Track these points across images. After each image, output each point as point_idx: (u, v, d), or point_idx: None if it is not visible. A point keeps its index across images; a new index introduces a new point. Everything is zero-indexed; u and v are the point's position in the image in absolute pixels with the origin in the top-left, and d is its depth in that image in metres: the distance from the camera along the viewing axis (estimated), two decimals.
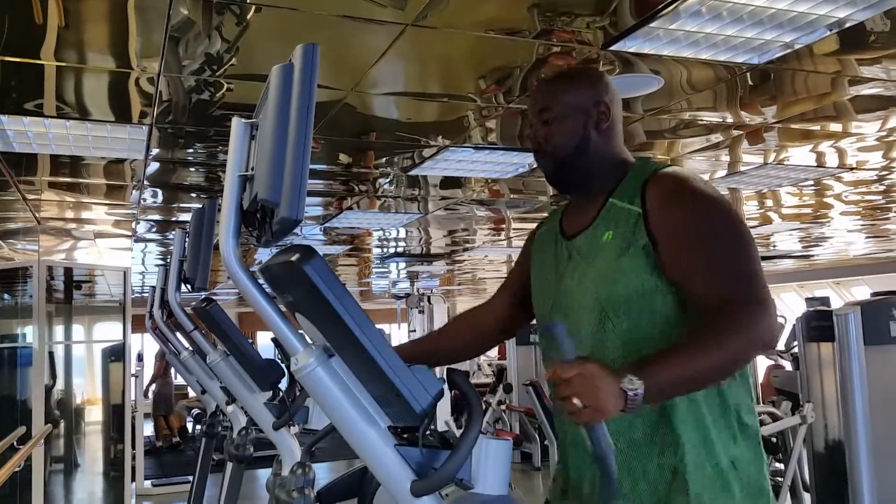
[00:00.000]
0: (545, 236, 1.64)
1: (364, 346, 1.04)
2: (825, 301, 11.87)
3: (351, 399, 1.10)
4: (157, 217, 5.99)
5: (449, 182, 5.06)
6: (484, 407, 6.35)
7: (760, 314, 1.26)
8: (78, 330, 6.77)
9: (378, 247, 8.80)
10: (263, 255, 8.16)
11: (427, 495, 1.11)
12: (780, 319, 10.04)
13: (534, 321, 1.66)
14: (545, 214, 6.09)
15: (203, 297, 2.40)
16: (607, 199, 1.47)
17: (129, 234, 6.58)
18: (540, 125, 1.52)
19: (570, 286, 1.49)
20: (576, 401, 1.11)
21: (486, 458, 1.17)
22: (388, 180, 4.91)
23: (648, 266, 1.37)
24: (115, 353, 6.12)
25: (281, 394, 2.29)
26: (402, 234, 7.62)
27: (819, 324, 5.31)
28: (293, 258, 1.02)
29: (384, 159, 4.40)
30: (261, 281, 1.13)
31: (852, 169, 4.93)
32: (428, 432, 1.15)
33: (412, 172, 4.63)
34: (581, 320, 1.44)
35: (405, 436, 1.15)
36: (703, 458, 1.35)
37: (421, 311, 11.29)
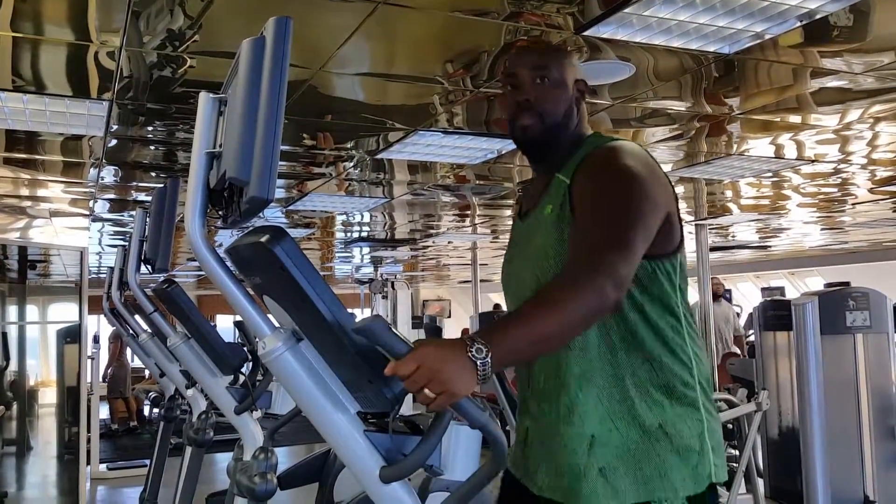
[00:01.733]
0: (513, 223, 1.66)
1: (334, 330, 1.02)
2: (781, 291, 12.15)
3: (320, 384, 1.08)
4: (115, 196, 5.86)
5: (415, 167, 5.03)
6: None
7: (603, 273, 1.21)
8: (32, 311, 6.61)
9: (342, 231, 8.74)
10: (225, 237, 8.05)
11: (396, 481, 1.09)
12: (735, 308, 10.26)
13: None
14: (511, 202, 6.05)
15: (163, 278, 2.35)
16: (555, 173, 1.48)
17: (87, 213, 6.43)
18: (533, 83, 1.48)
19: (516, 267, 1.51)
20: (427, 392, 1.04)
21: (456, 445, 1.16)
22: (353, 163, 4.87)
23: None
24: (71, 335, 5.98)
25: (243, 378, 2.26)
26: (367, 218, 7.57)
27: (776, 313, 5.43)
28: (262, 239, 0.99)
29: (350, 142, 4.35)
30: (228, 262, 1.10)
31: (811, 161, 5.02)
32: (397, 418, 1.14)
33: (379, 156, 4.59)
34: (522, 300, 1.42)
35: (374, 421, 1.13)
36: (614, 429, 1.36)
37: (384, 297, 11.26)
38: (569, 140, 1.50)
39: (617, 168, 1.37)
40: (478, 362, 1.07)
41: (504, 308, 1.67)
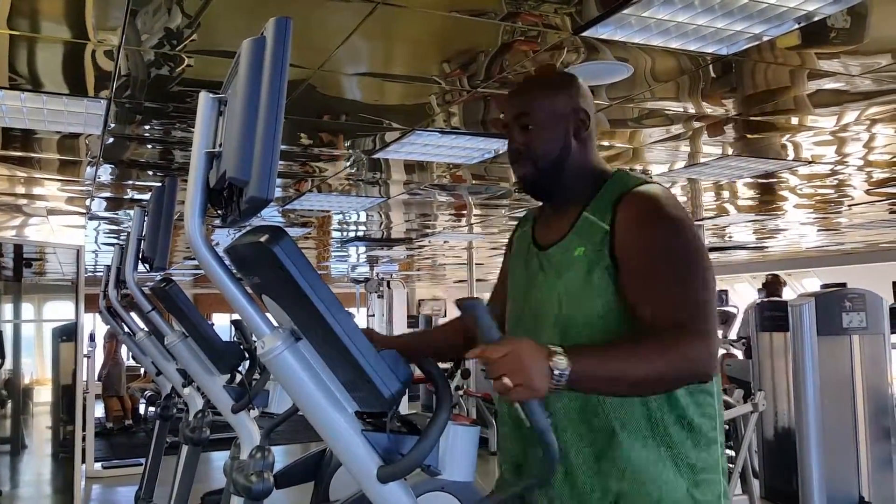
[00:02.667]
0: (520, 242, 1.61)
1: (333, 330, 1.02)
2: None
3: (318, 384, 1.08)
4: (112, 195, 5.85)
5: (412, 166, 5.03)
6: None
7: (703, 345, 1.26)
8: (28, 309, 6.59)
9: (338, 230, 8.73)
10: (222, 236, 8.04)
11: (394, 481, 1.09)
12: (731, 309, 10.27)
13: None
14: (507, 202, 6.05)
15: (161, 277, 2.35)
16: (581, 211, 1.43)
17: (83, 211, 6.41)
18: (518, 131, 1.46)
19: (537, 299, 1.47)
20: (506, 380, 1.10)
21: (453, 445, 1.16)
22: (350, 163, 4.87)
23: (612, 287, 1.35)
24: (67, 333, 5.96)
25: (241, 377, 2.26)
26: (363, 217, 7.57)
27: (772, 314, 5.43)
28: (262, 239, 0.99)
29: (347, 142, 4.35)
30: (227, 262, 1.10)
31: (808, 163, 5.03)
32: (394, 418, 1.14)
33: (375, 156, 4.59)
34: (541, 335, 1.41)
35: (371, 421, 1.13)
36: (643, 489, 1.34)
37: (380, 296, 11.27)
38: (584, 174, 1.47)
39: (672, 221, 1.36)
40: (555, 372, 1.12)
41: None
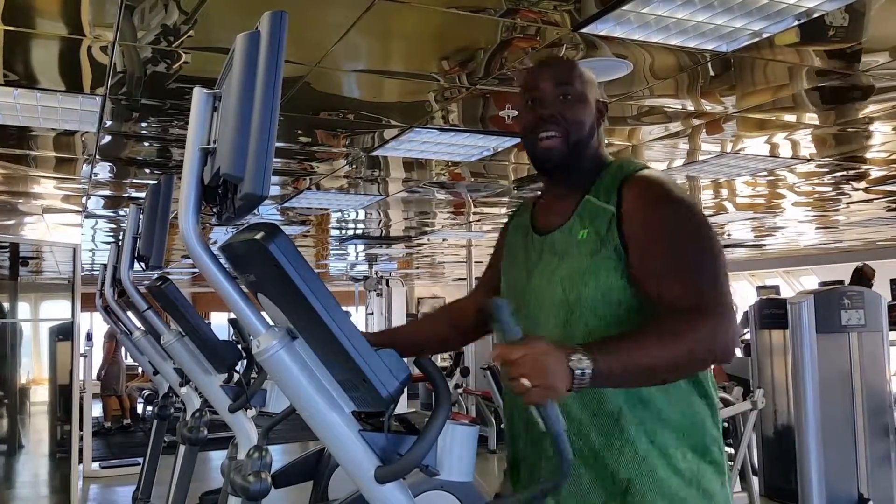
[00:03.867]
0: (515, 231, 1.60)
1: (330, 329, 1.00)
2: (776, 289, 12.18)
3: (315, 383, 1.06)
4: (108, 192, 5.83)
5: (411, 164, 5.02)
6: None
7: (722, 322, 1.25)
8: (24, 308, 6.57)
9: (336, 228, 8.72)
10: (220, 235, 8.02)
11: (392, 482, 1.08)
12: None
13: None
14: (506, 199, 6.05)
15: (157, 275, 2.34)
16: (584, 195, 1.43)
17: (80, 209, 6.39)
18: (556, 99, 1.43)
19: (538, 284, 1.46)
20: (524, 381, 1.08)
21: (451, 445, 1.15)
22: (348, 161, 4.85)
23: (619, 268, 1.34)
24: (64, 332, 5.95)
25: (238, 376, 2.24)
26: (362, 215, 7.56)
27: (771, 312, 5.43)
28: (257, 236, 0.98)
29: (346, 139, 4.33)
30: (222, 260, 1.09)
31: (807, 160, 5.02)
32: (393, 417, 1.12)
33: (374, 153, 4.57)
34: (546, 319, 1.41)
35: (369, 421, 1.12)
36: (649, 477, 1.33)
37: (379, 294, 11.26)
38: (591, 159, 1.47)
39: (683, 204, 1.35)
40: (576, 372, 1.11)
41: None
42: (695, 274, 1.30)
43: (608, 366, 1.14)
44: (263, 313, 1.11)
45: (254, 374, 2.30)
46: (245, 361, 2.30)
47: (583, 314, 1.37)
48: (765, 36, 2.69)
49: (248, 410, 2.24)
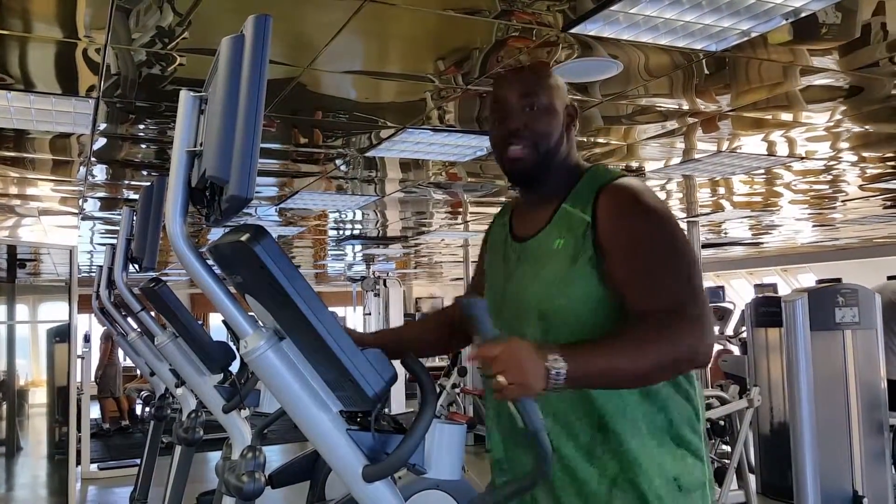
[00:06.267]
0: (497, 234, 1.62)
1: (316, 329, 1.01)
2: (773, 287, 12.20)
3: (302, 383, 1.07)
4: (105, 194, 5.83)
5: (407, 164, 5.02)
6: (438, 390, 6.35)
7: (698, 329, 1.26)
8: (22, 310, 6.58)
9: (334, 229, 8.72)
10: (216, 236, 8.02)
11: (379, 480, 1.09)
12: (728, 305, 10.28)
13: None
14: (503, 199, 6.06)
15: (151, 277, 2.35)
16: (560, 204, 1.44)
17: (76, 211, 6.40)
18: (521, 111, 1.45)
19: (515, 292, 1.47)
20: (501, 378, 1.10)
21: (439, 443, 1.16)
22: (344, 161, 4.86)
23: (595, 276, 1.36)
24: (61, 334, 5.95)
25: (232, 377, 2.25)
26: (359, 216, 7.56)
27: (767, 310, 5.45)
28: (243, 238, 0.99)
29: (341, 140, 4.34)
30: (209, 261, 1.10)
31: (802, 158, 5.03)
32: (380, 416, 1.13)
33: (369, 154, 4.58)
34: (523, 327, 1.42)
35: (357, 420, 1.13)
36: (630, 474, 1.35)
37: (377, 295, 11.26)
38: (564, 166, 1.48)
39: (657, 213, 1.37)
40: (552, 372, 1.13)
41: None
42: (669, 279, 1.32)
43: (584, 368, 1.16)
44: (251, 314, 1.12)
45: (249, 375, 2.31)
46: (239, 361, 2.31)
47: (560, 322, 1.38)
48: (753, 35, 2.70)
49: (242, 411, 2.25)
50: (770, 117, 3.99)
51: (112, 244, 3.19)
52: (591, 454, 1.38)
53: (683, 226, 7.30)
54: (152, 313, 2.72)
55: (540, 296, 1.41)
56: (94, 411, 9.68)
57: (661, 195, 6.55)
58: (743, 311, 6.79)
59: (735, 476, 4.75)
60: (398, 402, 9.84)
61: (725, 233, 9.75)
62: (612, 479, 1.36)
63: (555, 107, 1.46)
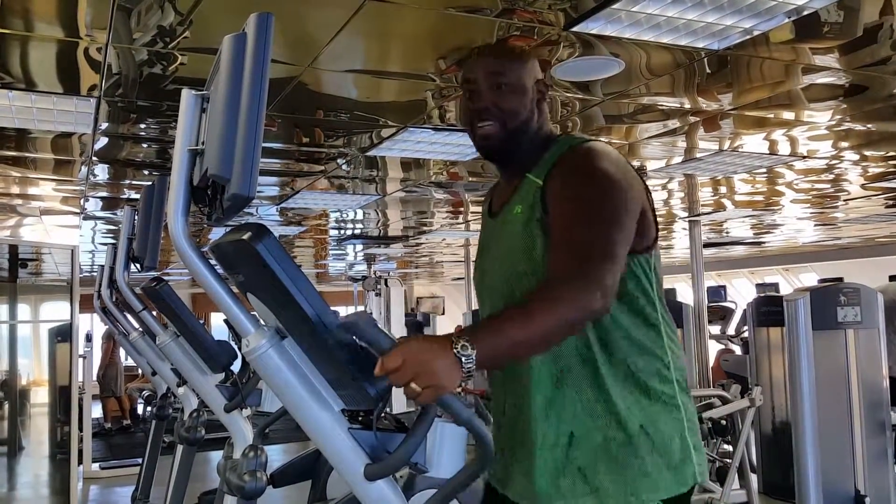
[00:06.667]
0: (483, 217, 1.66)
1: (317, 328, 1.01)
2: (775, 287, 12.20)
3: (304, 382, 1.07)
4: (107, 194, 5.83)
5: (408, 164, 5.02)
6: None
7: (579, 283, 1.22)
8: (23, 309, 6.58)
9: (335, 228, 8.72)
10: (218, 235, 8.02)
11: (381, 479, 1.09)
12: (729, 305, 10.28)
13: None
14: None
15: (152, 276, 2.35)
16: (525, 175, 1.47)
17: (78, 211, 6.40)
18: (489, 90, 1.47)
19: (489, 266, 1.51)
20: (413, 385, 1.04)
21: (441, 442, 1.16)
22: (345, 160, 4.85)
23: (543, 239, 1.37)
24: (63, 334, 5.95)
25: (233, 376, 2.25)
26: (360, 215, 7.56)
27: (769, 309, 5.44)
28: (244, 236, 0.99)
29: (342, 139, 4.34)
30: (211, 260, 1.10)
31: (804, 157, 5.02)
32: (383, 415, 1.13)
33: (370, 153, 4.58)
34: (496, 301, 1.46)
35: (359, 419, 1.13)
36: (594, 428, 1.36)
37: (378, 294, 11.26)
38: (535, 141, 1.49)
39: (592, 171, 1.36)
40: (463, 359, 1.08)
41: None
42: (574, 241, 1.30)
43: (490, 346, 1.13)
44: (253, 313, 1.12)
45: (251, 374, 2.31)
46: (240, 361, 2.31)
47: (524, 287, 1.39)
48: (755, 33, 2.70)
49: (244, 410, 2.25)
50: (772, 116, 3.98)
51: (113, 244, 3.19)
52: (545, 413, 1.40)
53: (683, 224, 7.30)
54: (154, 312, 2.73)
55: (507, 265, 1.44)
56: (96, 411, 9.70)
57: (663, 194, 6.55)
58: (745, 310, 6.79)
59: (737, 475, 4.75)
60: (400, 401, 9.84)
61: (727, 232, 9.73)
62: (567, 441, 1.38)
63: (523, 83, 1.47)
